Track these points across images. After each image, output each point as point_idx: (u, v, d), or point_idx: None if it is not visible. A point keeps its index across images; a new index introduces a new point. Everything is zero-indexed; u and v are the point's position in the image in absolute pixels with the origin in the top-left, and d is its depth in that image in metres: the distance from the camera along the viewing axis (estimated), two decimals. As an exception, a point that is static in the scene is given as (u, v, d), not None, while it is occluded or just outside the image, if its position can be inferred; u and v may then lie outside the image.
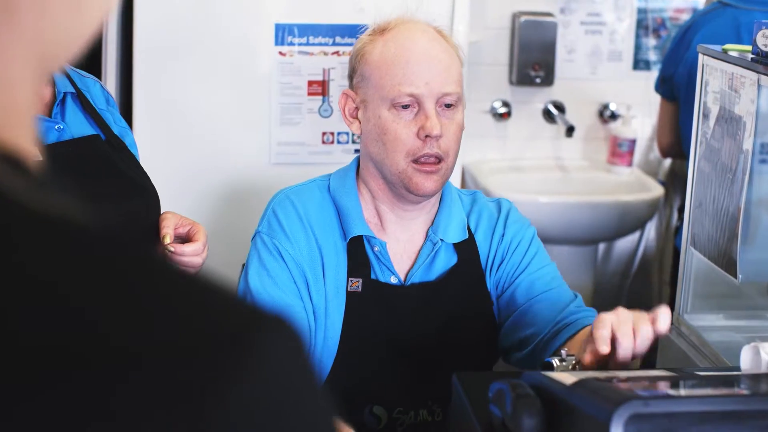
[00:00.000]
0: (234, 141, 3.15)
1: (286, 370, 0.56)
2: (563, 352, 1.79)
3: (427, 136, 2.08)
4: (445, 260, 2.21)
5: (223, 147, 3.15)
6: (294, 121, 3.17)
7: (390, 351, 2.15)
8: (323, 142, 3.20)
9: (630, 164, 4.17)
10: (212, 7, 3.07)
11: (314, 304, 2.13)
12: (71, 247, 0.55)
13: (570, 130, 4.04)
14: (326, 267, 2.14)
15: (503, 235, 2.23)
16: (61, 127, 2.11)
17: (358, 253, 2.16)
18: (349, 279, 2.15)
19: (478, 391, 1.69)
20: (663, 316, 1.75)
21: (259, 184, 3.12)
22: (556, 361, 1.76)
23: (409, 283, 2.18)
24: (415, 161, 2.09)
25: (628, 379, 1.52)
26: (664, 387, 1.48)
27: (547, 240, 3.90)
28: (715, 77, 2.28)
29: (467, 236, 2.22)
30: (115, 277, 0.55)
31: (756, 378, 1.59)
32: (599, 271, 4.26)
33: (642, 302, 4.33)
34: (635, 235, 4.25)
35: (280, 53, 3.12)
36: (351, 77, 2.21)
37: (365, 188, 2.20)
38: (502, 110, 4.17)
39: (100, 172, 2.12)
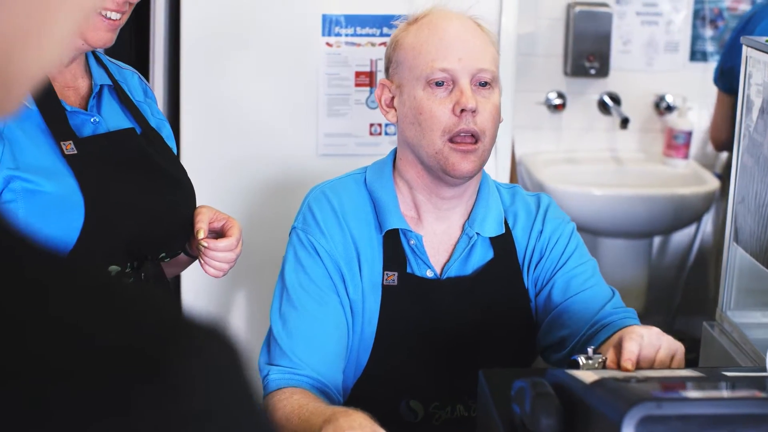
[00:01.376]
0: (281, 133, 3.15)
1: (215, 379, 0.55)
2: (590, 350, 1.76)
3: (462, 111, 2.06)
4: (481, 254, 2.19)
5: (271, 139, 3.15)
6: (341, 113, 3.16)
7: (426, 345, 2.14)
8: (371, 134, 3.19)
9: (686, 157, 4.11)
10: (259, -2, 3.08)
11: (351, 299, 2.13)
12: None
13: (625, 122, 4.00)
14: (362, 261, 2.14)
15: (542, 232, 2.20)
16: (97, 120, 2.10)
17: (394, 247, 2.15)
18: (385, 272, 2.14)
19: (504, 387, 1.68)
20: (678, 362, 1.79)
21: (306, 176, 3.11)
22: (582, 359, 1.74)
23: (445, 276, 2.16)
24: (452, 140, 2.08)
25: (648, 380, 1.50)
26: (683, 388, 1.46)
27: (602, 233, 3.87)
28: (758, 69, 2.23)
29: (504, 231, 2.20)
30: (64, 287, 0.54)
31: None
32: (654, 264, 4.21)
33: (698, 297, 4.27)
34: (691, 229, 4.19)
35: (328, 44, 3.12)
36: (387, 68, 2.21)
37: (402, 180, 2.19)
38: (557, 102, 4.14)
39: (134, 166, 2.11)
